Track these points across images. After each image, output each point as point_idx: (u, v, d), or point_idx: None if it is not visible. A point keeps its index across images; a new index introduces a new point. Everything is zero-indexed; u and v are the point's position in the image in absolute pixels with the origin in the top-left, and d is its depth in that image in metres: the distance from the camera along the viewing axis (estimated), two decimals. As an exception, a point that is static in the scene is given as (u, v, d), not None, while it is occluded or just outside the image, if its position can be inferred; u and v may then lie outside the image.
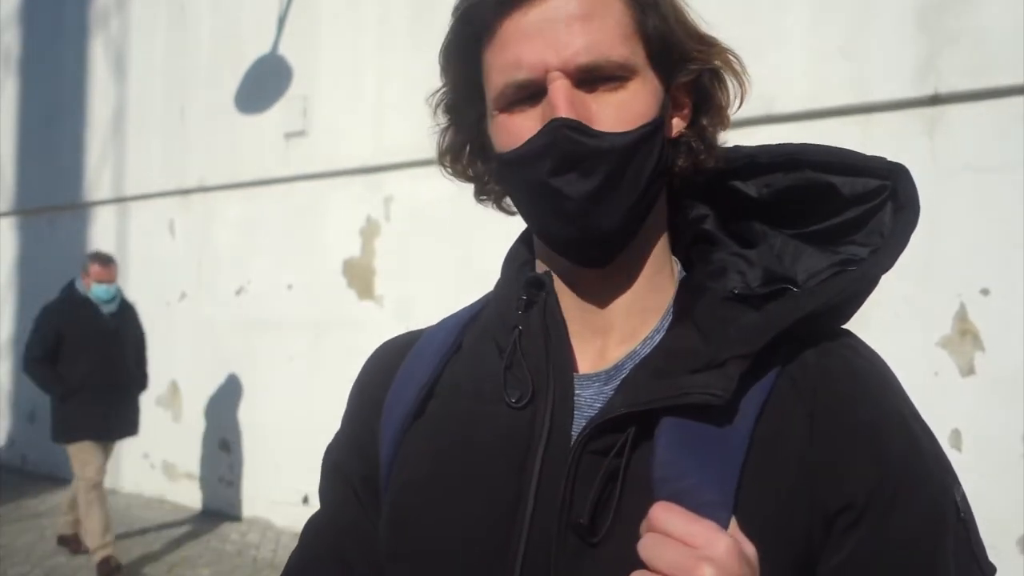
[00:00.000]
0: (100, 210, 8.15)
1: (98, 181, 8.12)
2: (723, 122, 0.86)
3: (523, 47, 0.76)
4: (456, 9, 0.80)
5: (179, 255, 7.40)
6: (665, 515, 0.64)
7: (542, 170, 0.76)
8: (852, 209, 0.82)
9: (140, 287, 7.71)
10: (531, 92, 0.77)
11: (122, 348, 5.70)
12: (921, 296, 3.98)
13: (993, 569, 0.77)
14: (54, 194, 8.48)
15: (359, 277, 6.21)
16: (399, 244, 6.00)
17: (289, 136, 6.59)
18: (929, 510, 0.73)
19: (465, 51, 0.82)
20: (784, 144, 0.86)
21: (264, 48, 6.74)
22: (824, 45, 4.33)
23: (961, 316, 3.95)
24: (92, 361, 5.47)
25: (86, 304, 5.59)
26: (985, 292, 3.90)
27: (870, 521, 0.72)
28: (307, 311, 6.40)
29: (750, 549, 0.65)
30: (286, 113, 6.58)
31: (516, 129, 0.78)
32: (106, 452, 5.61)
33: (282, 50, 6.67)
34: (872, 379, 0.79)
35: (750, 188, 0.86)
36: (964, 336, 3.94)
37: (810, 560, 0.73)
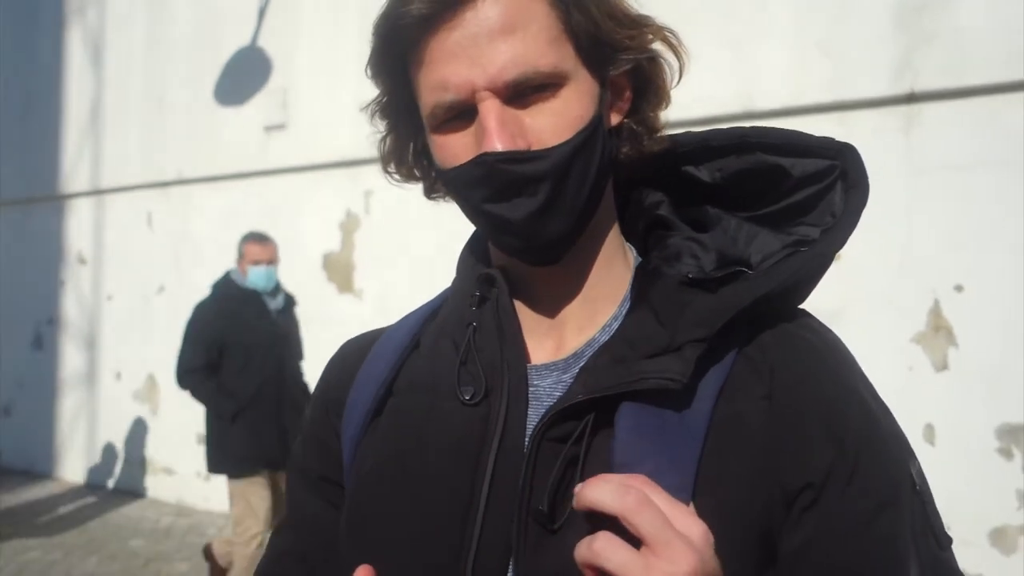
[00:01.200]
0: (77, 202, 8.07)
1: (75, 173, 8.04)
2: (663, 102, 0.84)
3: (448, 67, 0.74)
4: (376, 28, 0.77)
5: (157, 248, 7.35)
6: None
7: (478, 197, 0.76)
8: (803, 190, 0.82)
9: (118, 280, 7.66)
10: (461, 112, 0.75)
11: (291, 355, 4.61)
12: (896, 292, 4.03)
13: (949, 540, 0.77)
14: (30, 186, 8.39)
15: (339, 271, 6.20)
16: (379, 238, 5.99)
17: (269, 129, 6.55)
18: (887, 485, 0.73)
19: (392, 70, 0.80)
20: (734, 127, 0.85)
21: (244, 40, 6.70)
22: (803, 43, 4.36)
23: (935, 312, 4.00)
24: (261, 371, 4.36)
25: (250, 299, 4.46)
26: (959, 288, 3.95)
27: (829, 499, 0.72)
28: (286, 305, 6.37)
29: (708, 534, 0.64)
30: (266, 106, 6.55)
31: (451, 148, 0.77)
32: (276, 488, 4.36)
33: (262, 42, 6.63)
34: (828, 357, 0.79)
35: (703, 173, 0.86)
36: (938, 332, 3.99)
37: (771, 540, 0.72)
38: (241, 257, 4.56)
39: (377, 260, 5.99)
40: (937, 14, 4.01)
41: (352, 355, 0.94)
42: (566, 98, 0.75)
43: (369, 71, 0.82)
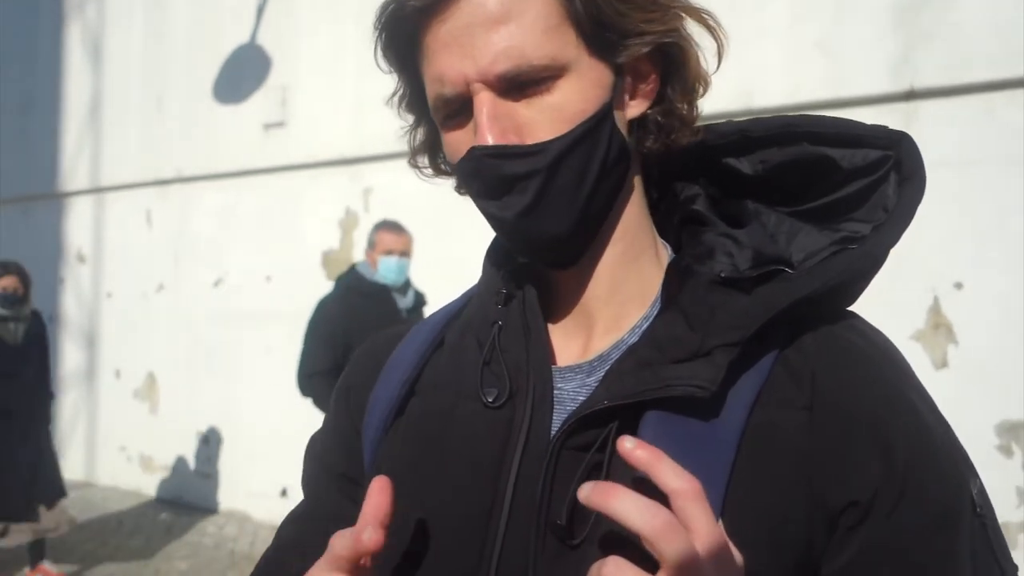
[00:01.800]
0: (76, 200, 8.07)
1: (74, 171, 8.04)
2: (696, 89, 0.78)
3: (443, 59, 0.71)
4: (377, 22, 0.75)
5: (157, 246, 7.34)
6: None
7: (473, 193, 0.75)
8: (853, 183, 0.75)
9: (117, 278, 7.66)
10: (461, 105, 0.73)
11: None
12: (895, 290, 4.03)
13: (1015, 569, 0.70)
14: (29, 183, 8.38)
15: (338, 269, 6.18)
16: (378, 236, 5.98)
17: (268, 127, 6.55)
18: (942, 507, 0.66)
19: (402, 64, 0.78)
20: (779, 116, 0.79)
21: (243, 38, 6.69)
22: (802, 41, 4.36)
23: (935, 310, 4.00)
24: None
25: (379, 295, 3.99)
26: (959, 286, 3.95)
27: (877, 520, 0.65)
28: (285, 303, 6.37)
29: (738, 557, 0.60)
30: (265, 104, 6.54)
31: (454, 144, 0.75)
32: None
33: (261, 40, 6.63)
34: (878, 363, 0.72)
35: (744, 165, 0.80)
36: (938, 329, 3.99)
37: (812, 560, 0.67)
38: (371, 247, 4.11)
39: (376, 258, 5.99)
40: (936, 11, 4.01)
41: (377, 352, 0.91)
42: (565, 90, 0.71)
43: (383, 65, 0.80)
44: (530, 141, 0.71)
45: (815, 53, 4.32)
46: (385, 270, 4.02)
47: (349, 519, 0.82)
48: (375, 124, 5.66)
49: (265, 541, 5.14)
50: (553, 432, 0.72)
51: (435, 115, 0.76)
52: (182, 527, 6.35)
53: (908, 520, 0.66)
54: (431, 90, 0.74)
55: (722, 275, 0.72)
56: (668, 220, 0.84)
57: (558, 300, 0.80)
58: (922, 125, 4.07)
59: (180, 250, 7.19)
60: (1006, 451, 3.80)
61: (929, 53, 4.03)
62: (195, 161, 7.05)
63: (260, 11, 6.62)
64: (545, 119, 0.71)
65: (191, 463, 7.00)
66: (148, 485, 7.31)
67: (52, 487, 4.85)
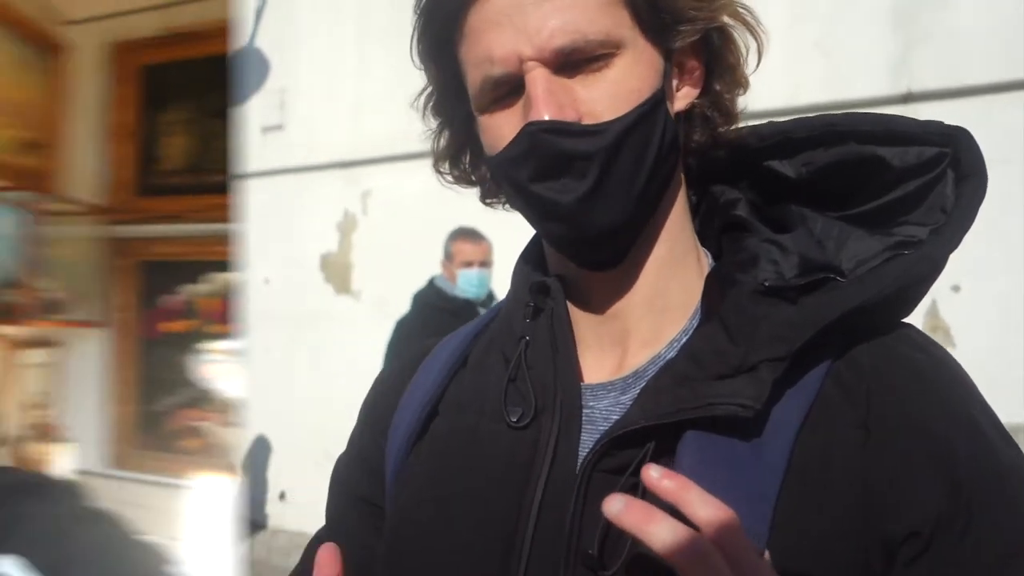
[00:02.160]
0: (73, 203, 8.05)
1: (71, 174, 8.02)
2: (739, 83, 0.75)
3: (493, 38, 0.67)
4: (417, 5, 0.73)
5: (154, 249, 7.33)
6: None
7: (523, 176, 0.69)
8: (906, 184, 0.71)
9: (114, 281, 7.64)
10: (510, 87, 0.69)
11: None
12: (894, 292, 4.03)
13: None
14: (26, 187, 8.37)
15: (336, 272, 6.19)
16: (376, 239, 5.98)
17: (266, 130, 6.54)
18: (1011, 535, 0.61)
19: (438, 50, 0.74)
20: (824, 114, 0.75)
21: (241, 41, 6.69)
22: (800, 43, 4.36)
23: (932, 313, 4.00)
24: None
25: (460, 311, 3.55)
26: (956, 289, 3.95)
27: (940, 550, 0.60)
28: (284, 305, 6.36)
29: None
30: (263, 107, 6.54)
31: (498, 130, 0.70)
32: None
33: (259, 43, 6.62)
34: (939, 379, 0.67)
35: (787, 168, 0.76)
36: (935, 332, 3.99)
37: None
38: (448, 259, 3.79)
39: (375, 261, 5.98)
40: (934, 14, 4.01)
41: (403, 371, 0.88)
42: (620, 68, 0.68)
43: (416, 58, 0.77)
44: (588, 119, 0.67)
45: (815, 54, 4.32)
46: (465, 284, 3.69)
47: (360, 543, 0.81)
48: (374, 127, 5.66)
49: (262, 543, 5.14)
50: (583, 454, 0.68)
51: (478, 101, 0.72)
52: (180, 530, 6.33)
53: (976, 551, 0.60)
54: (476, 73, 0.70)
55: (766, 284, 0.68)
56: (708, 226, 0.80)
57: (593, 312, 0.75)
58: (920, 127, 4.07)
59: (178, 253, 7.17)
60: (1005, 453, 3.80)
61: (927, 55, 4.04)
62: (193, 164, 7.04)
63: (258, 14, 6.61)
64: (601, 96, 0.68)
65: (189, 466, 6.98)
66: (146, 488, 7.29)
67: None
